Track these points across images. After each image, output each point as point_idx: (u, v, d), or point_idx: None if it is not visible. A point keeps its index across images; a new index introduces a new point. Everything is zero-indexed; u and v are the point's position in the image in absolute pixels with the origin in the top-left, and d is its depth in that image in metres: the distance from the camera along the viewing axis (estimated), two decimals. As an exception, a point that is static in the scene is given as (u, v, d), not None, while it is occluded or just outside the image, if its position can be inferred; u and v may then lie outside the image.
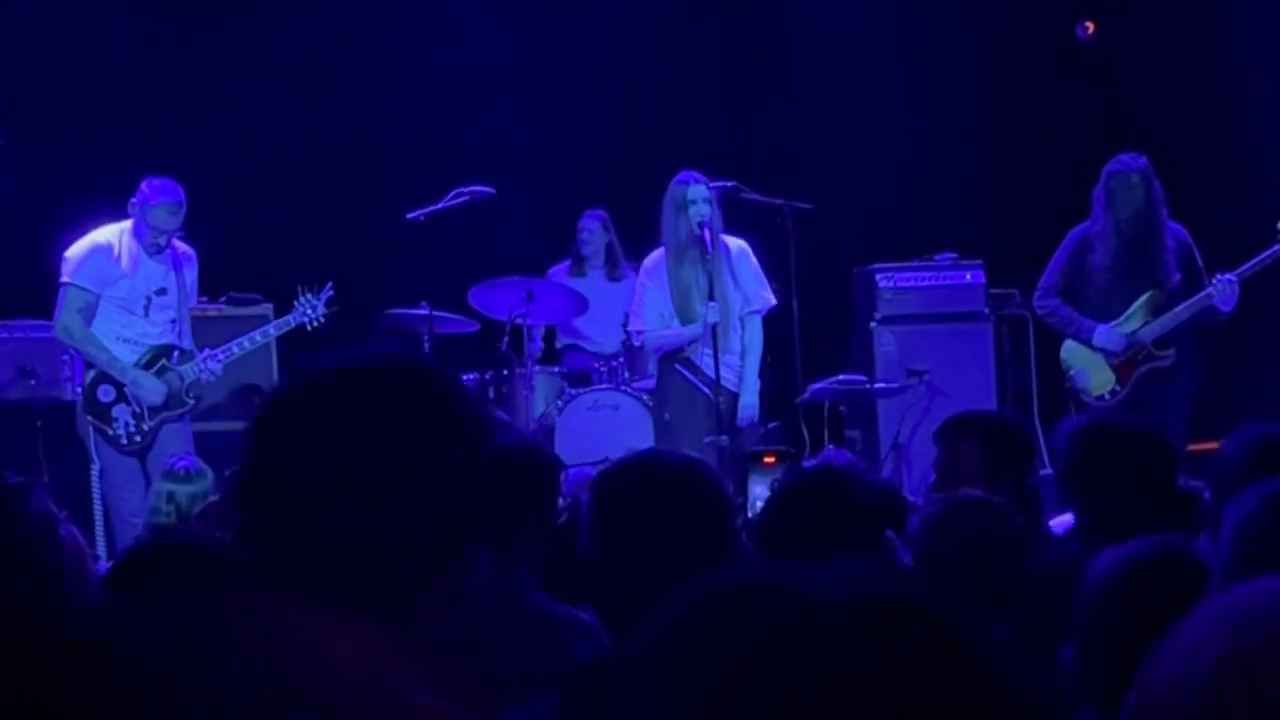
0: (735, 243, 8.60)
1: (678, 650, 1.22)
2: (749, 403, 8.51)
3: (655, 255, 8.65)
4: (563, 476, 4.49)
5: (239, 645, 1.72)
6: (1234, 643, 1.22)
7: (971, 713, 1.18)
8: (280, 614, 1.72)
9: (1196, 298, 8.45)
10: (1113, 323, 8.54)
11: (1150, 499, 4.19)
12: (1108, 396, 8.54)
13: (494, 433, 1.87)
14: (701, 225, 8.35)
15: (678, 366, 8.55)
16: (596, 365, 9.54)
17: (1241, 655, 1.21)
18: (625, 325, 9.12)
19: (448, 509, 1.78)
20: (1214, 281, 8.43)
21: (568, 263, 10.10)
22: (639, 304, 8.70)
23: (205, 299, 9.40)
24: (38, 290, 9.58)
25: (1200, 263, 8.56)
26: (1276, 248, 8.51)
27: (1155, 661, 1.26)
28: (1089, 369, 8.62)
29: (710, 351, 8.30)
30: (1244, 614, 1.23)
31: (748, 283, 8.57)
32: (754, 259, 8.63)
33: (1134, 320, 8.55)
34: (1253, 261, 8.48)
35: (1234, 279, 8.41)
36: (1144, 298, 8.55)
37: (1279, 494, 2.66)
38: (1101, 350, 8.56)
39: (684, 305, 8.50)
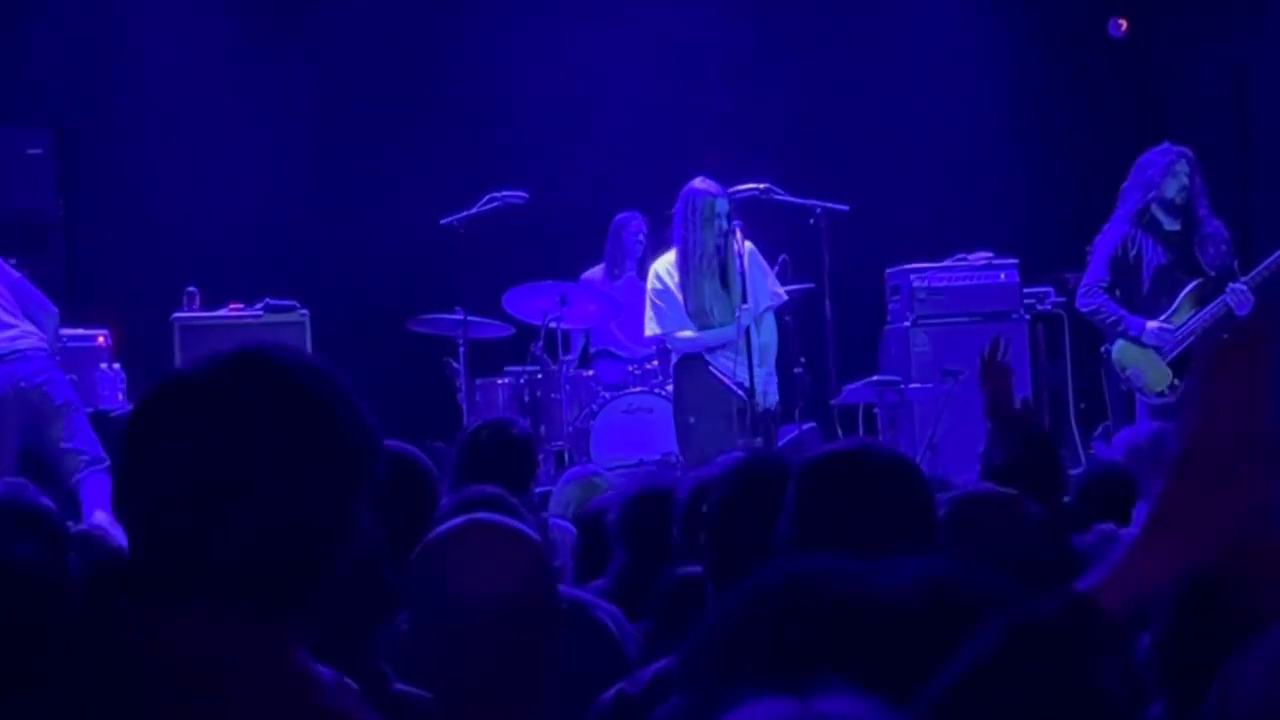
0: (745, 245, 8.56)
1: (746, 632, 1.24)
2: (765, 390, 8.39)
3: (668, 259, 8.59)
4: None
5: (138, 663, 1.71)
6: None
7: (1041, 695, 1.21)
8: (179, 626, 1.72)
9: (1213, 305, 8.43)
10: (1162, 317, 8.51)
11: None
12: (1167, 393, 8.45)
13: (372, 433, 1.79)
14: (725, 237, 8.32)
15: (703, 368, 8.49)
16: (630, 369, 9.54)
17: None
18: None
19: (313, 512, 1.74)
20: (1228, 291, 8.41)
21: (603, 266, 10.09)
22: (656, 309, 8.60)
23: (242, 305, 9.46)
24: (77, 299, 9.65)
25: (1235, 265, 8.54)
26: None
27: (1242, 669, 1.27)
28: (1144, 367, 8.54)
29: (734, 355, 8.27)
30: None
31: (762, 283, 8.53)
32: (762, 259, 8.58)
33: (1183, 312, 8.50)
34: (1260, 267, 8.43)
35: (1245, 289, 8.38)
36: (1190, 287, 8.51)
37: None
38: (1154, 348, 8.51)
39: (701, 314, 8.45)
